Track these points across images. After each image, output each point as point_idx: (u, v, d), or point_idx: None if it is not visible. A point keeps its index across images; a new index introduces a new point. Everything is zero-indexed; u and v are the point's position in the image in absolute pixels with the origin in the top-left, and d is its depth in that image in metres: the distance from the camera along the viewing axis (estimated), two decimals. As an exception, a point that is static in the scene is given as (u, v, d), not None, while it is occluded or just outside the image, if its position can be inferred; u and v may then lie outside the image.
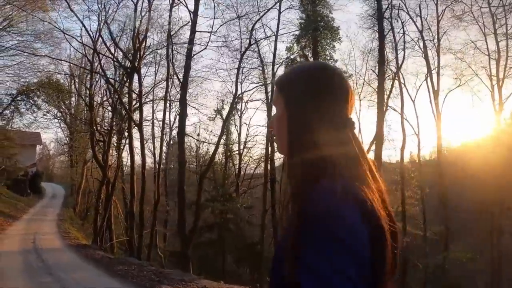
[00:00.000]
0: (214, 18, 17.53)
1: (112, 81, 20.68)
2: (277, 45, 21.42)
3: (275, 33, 20.75)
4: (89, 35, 17.79)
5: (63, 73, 27.19)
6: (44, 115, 27.01)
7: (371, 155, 20.90)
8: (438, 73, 23.53)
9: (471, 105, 31.97)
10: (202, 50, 17.75)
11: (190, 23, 16.22)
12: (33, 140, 35.92)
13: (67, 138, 34.96)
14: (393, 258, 0.93)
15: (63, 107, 30.95)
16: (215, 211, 21.28)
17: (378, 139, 20.53)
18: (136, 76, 18.64)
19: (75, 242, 15.50)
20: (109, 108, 22.75)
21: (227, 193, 23.05)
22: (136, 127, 18.76)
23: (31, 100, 25.25)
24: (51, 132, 64.27)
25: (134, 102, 19.77)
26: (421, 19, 22.98)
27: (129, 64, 18.72)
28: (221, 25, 18.15)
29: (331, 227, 0.83)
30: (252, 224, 23.33)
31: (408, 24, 23.05)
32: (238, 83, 24.55)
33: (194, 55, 16.70)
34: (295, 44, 23.46)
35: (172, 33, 17.28)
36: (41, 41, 23.87)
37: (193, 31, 15.60)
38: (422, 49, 23.48)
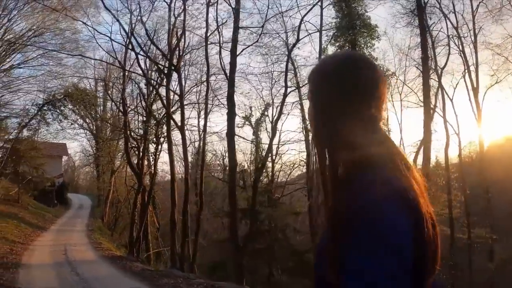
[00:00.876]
0: (268, 10, 16.80)
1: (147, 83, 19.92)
2: (321, 42, 20.12)
3: (319, 29, 19.58)
4: (125, 31, 17.04)
5: (91, 78, 26.79)
6: (71, 124, 26.61)
7: (415, 158, 19.97)
8: (476, 70, 22.63)
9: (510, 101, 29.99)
10: (251, 45, 17.11)
11: (231, 20, 15.98)
12: (59, 151, 35.77)
13: (93, 149, 34.54)
14: (434, 252, 0.88)
15: (90, 117, 30.59)
16: (261, 218, 19.94)
17: (426, 139, 19.35)
18: (172, 78, 17.90)
19: (109, 254, 14.44)
20: (142, 112, 21.94)
21: (272, 199, 21.74)
22: (175, 130, 17.82)
23: (57, 110, 24.84)
24: (77, 141, 63.92)
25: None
26: (455, 15, 21.84)
27: (166, 63, 17.86)
28: (266, 20, 17.18)
29: (377, 227, 0.79)
30: (298, 231, 22.05)
31: (443, 21, 22.06)
32: (269, 88, 23.72)
33: (239, 53, 16.15)
34: (328, 46, 22.42)
35: (210, 33, 16.77)
36: (66, 51, 23.71)
37: (236, 28, 15.15)
38: (459, 46, 22.51)
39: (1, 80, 23.22)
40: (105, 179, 30.22)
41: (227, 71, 15.60)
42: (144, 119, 20.55)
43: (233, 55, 14.97)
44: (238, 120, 25.72)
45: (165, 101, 17.50)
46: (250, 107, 27.33)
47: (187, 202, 16.34)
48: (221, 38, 16.69)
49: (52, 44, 23.54)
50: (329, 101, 0.97)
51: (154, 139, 19.21)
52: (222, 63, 16.14)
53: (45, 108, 24.58)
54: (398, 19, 21.91)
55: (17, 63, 23.50)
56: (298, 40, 17.74)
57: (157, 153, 19.43)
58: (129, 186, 24.81)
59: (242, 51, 16.62)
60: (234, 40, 15.07)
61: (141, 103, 21.35)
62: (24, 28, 21.80)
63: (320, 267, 0.91)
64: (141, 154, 19.50)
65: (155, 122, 19.41)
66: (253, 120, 27.53)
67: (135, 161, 20.45)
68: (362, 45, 22.22)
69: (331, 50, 22.28)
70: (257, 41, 16.84)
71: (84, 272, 10.01)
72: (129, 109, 21.35)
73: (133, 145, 20.54)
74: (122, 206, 28.02)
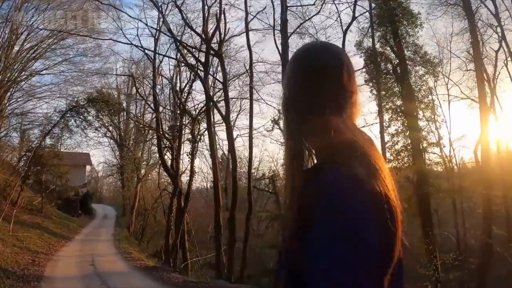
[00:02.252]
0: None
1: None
2: (373, 24, 18.79)
3: (369, 9, 18.17)
4: (160, 12, 15.76)
5: (116, 74, 25.90)
6: (96, 129, 25.65)
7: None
8: (521, 57, 20.46)
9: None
10: (306, 21, 16.20)
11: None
12: (83, 161, 35.13)
13: (117, 158, 33.53)
14: (395, 241, 0.81)
15: (113, 124, 29.63)
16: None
17: (483, 133, 17.56)
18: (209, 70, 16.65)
19: (141, 264, 12.92)
20: (176, 110, 20.53)
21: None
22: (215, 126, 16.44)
23: (81, 116, 23.92)
24: (100, 150, 63.48)
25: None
26: (493, 1, 20.00)
27: (203, 47, 16.55)
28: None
29: (343, 221, 0.74)
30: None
31: (481, 9, 20.22)
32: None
33: (291, 34, 14.89)
34: (365, 38, 20.87)
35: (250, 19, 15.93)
36: (87, 56, 22.96)
37: (285, 8, 14.26)
38: (499, 34, 20.56)
39: (22, 88, 22.53)
40: (130, 187, 29.01)
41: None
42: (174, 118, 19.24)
43: (284, 35, 14.13)
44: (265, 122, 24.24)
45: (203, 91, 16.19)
46: (279, 110, 25.91)
47: (235, 204, 14.35)
48: (274, 19, 15.71)
49: (74, 49, 22.88)
50: (292, 93, 0.97)
51: (190, 137, 17.64)
52: (280, 41, 15.06)
53: (68, 115, 23.70)
54: (433, 10, 20.59)
55: (39, 70, 22.81)
56: (354, 18, 16.43)
57: (194, 153, 17.80)
58: (161, 189, 23.42)
59: (296, 29, 15.68)
60: (284, 20, 14.18)
61: (175, 100, 19.85)
62: (45, 35, 21.03)
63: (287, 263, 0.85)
64: (175, 154, 17.93)
65: (190, 119, 17.89)
66: (281, 123, 26.16)
67: (169, 162, 19.00)
68: (404, 34, 20.81)
69: (367, 42, 20.84)
70: (318, 12, 15.83)
71: (117, 285, 8.50)
72: (161, 107, 20.08)
73: (167, 145, 19.08)
74: (149, 214, 26.66)
